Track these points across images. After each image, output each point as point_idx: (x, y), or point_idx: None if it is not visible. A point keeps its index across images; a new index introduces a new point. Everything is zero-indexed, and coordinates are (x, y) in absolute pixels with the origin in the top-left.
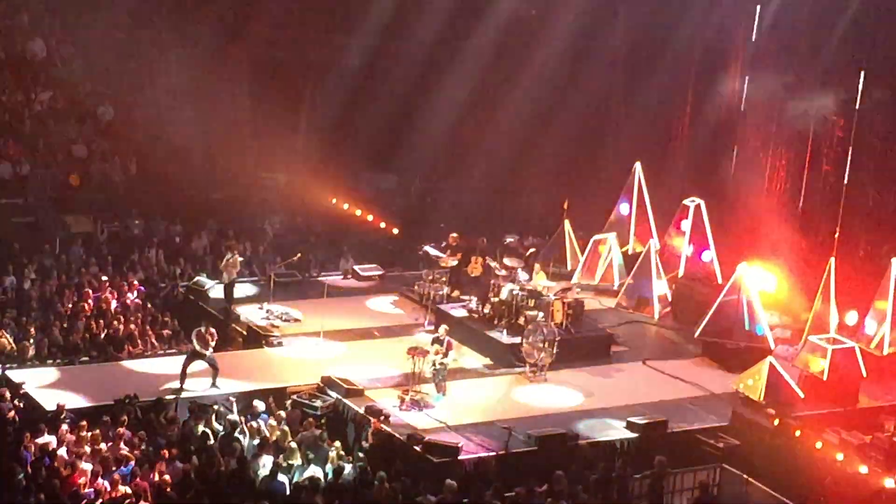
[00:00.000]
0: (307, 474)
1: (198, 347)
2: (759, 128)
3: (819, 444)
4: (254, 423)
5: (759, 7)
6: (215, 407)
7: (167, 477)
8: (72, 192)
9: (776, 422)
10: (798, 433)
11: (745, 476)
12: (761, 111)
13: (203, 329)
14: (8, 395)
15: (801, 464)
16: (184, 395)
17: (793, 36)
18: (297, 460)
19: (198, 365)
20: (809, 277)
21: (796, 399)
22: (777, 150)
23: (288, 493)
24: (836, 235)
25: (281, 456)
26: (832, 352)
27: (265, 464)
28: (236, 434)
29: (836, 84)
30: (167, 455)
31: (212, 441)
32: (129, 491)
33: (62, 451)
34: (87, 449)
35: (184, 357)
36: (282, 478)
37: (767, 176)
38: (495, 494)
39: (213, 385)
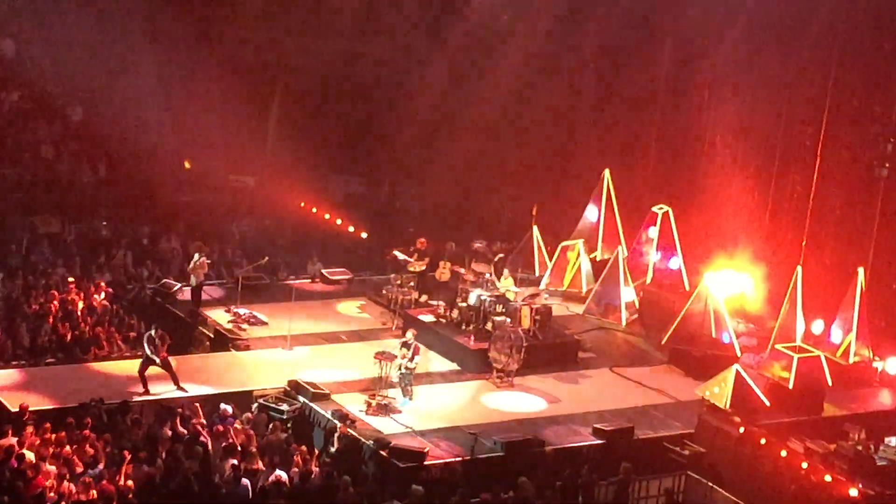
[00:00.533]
0: (272, 478)
1: (148, 352)
2: (728, 135)
3: (784, 453)
4: (219, 427)
5: (728, 14)
6: (180, 410)
7: (130, 482)
8: (39, 192)
9: (741, 429)
10: (763, 441)
11: (710, 483)
12: (730, 118)
13: (153, 333)
14: None
15: (766, 472)
16: (149, 397)
17: (762, 43)
18: (264, 464)
19: (157, 368)
20: (776, 285)
21: (762, 407)
22: (745, 158)
23: (252, 496)
24: (803, 244)
25: (249, 459)
26: (798, 360)
27: (230, 467)
28: (201, 437)
29: (804, 92)
30: (132, 458)
31: (177, 444)
32: (94, 494)
33: (27, 453)
34: (52, 451)
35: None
36: (245, 481)
37: (735, 183)
38: (461, 500)
39: (178, 388)
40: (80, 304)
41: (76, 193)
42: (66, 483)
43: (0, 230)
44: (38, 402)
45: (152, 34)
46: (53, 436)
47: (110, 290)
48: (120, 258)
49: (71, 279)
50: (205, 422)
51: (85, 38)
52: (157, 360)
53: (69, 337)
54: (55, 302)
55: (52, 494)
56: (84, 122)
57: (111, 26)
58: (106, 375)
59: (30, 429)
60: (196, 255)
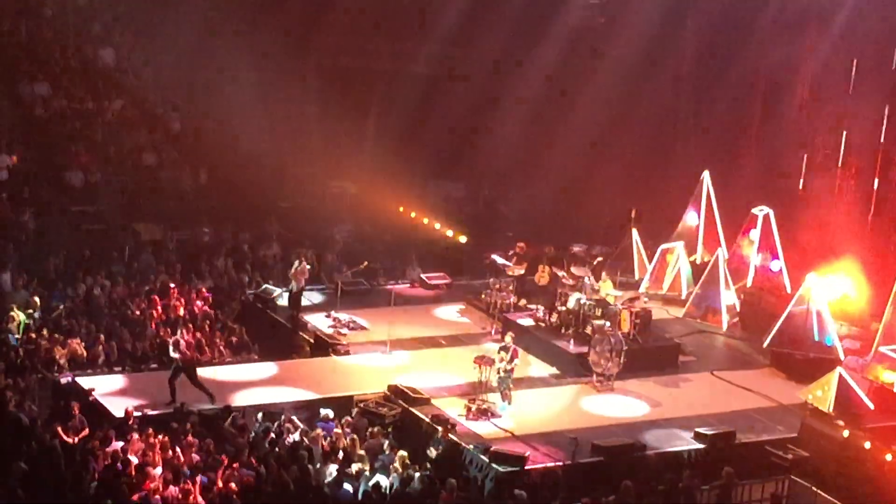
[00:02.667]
0: (372, 483)
1: (172, 355)
2: (828, 135)
3: (889, 457)
4: (320, 431)
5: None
6: (283, 416)
7: (233, 485)
8: (142, 199)
9: (845, 433)
10: (868, 445)
11: (813, 488)
12: (830, 118)
13: (178, 336)
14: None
15: (870, 476)
16: (252, 402)
17: (863, 42)
18: (365, 468)
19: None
20: (879, 287)
21: (866, 411)
22: (846, 159)
23: (354, 501)
24: None
25: (352, 464)
26: None
27: (332, 472)
28: (305, 442)
29: None
30: (237, 463)
31: (279, 449)
32: (199, 498)
33: (132, 458)
34: (157, 455)
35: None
36: (347, 486)
37: (837, 185)
38: None
39: (209, 397)
40: (182, 310)
41: (177, 200)
42: (171, 487)
43: (103, 237)
44: (141, 408)
45: (251, 42)
46: (157, 440)
47: (211, 296)
48: (221, 265)
49: (173, 285)
50: (306, 427)
51: (184, 46)
52: (180, 364)
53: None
54: (157, 308)
55: (156, 498)
56: (184, 130)
57: (210, 35)
58: (208, 381)
59: (134, 434)
60: (297, 262)
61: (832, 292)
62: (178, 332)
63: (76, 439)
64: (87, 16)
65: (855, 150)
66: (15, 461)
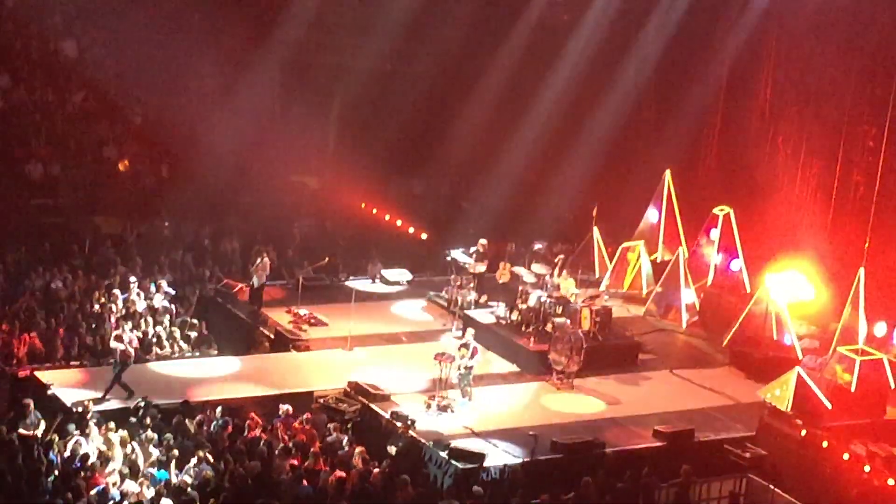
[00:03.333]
0: (332, 478)
1: (112, 345)
2: (790, 137)
3: (846, 456)
4: (280, 426)
5: (790, 15)
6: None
7: (187, 478)
8: (101, 193)
9: (803, 432)
10: (825, 444)
11: (771, 487)
12: (792, 120)
13: (125, 332)
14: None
15: (828, 475)
16: (211, 398)
17: (825, 43)
18: (324, 464)
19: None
20: (838, 288)
21: (824, 410)
22: (808, 160)
23: (313, 496)
24: (866, 246)
25: (309, 459)
26: (860, 363)
27: (290, 467)
28: (265, 437)
29: (867, 93)
30: (195, 458)
31: (238, 444)
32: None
33: (91, 452)
34: (116, 450)
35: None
36: (307, 481)
37: (797, 185)
38: (521, 501)
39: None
40: (142, 305)
41: (138, 194)
42: (128, 482)
43: (63, 230)
44: (100, 402)
45: (212, 35)
46: (117, 435)
47: (171, 290)
48: (181, 259)
49: (132, 279)
50: (265, 422)
51: (146, 39)
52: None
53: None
54: (117, 302)
55: (115, 492)
56: (146, 123)
57: (172, 27)
58: (167, 376)
59: (93, 428)
60: (258, 258)
61: (791, 292)
62: (124, 328)
63: (33, 434)
64: (49, 7)
65: (816, 150)
66: None
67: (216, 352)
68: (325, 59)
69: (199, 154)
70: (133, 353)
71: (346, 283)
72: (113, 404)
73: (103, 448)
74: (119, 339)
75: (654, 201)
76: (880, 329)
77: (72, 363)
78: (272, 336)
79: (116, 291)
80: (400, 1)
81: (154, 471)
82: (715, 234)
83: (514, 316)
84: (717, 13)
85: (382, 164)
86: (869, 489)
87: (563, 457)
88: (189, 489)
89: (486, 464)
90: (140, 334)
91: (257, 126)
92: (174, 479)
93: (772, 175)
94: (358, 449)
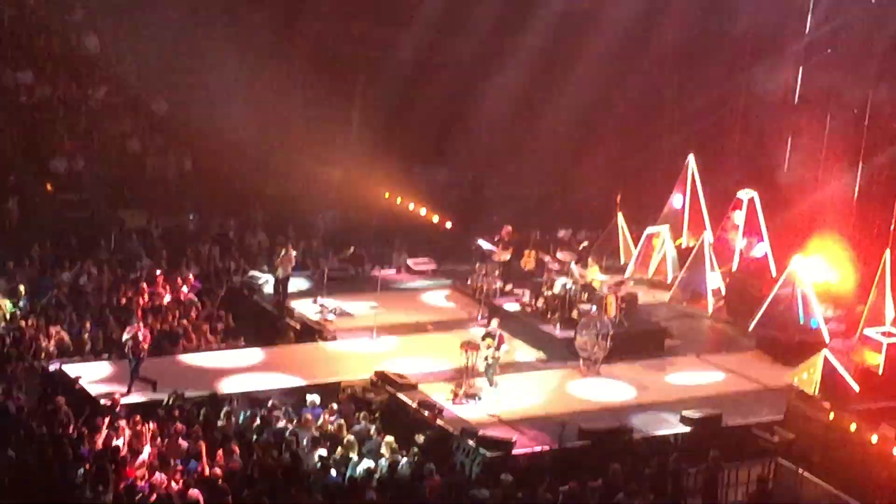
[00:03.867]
0: (361, 468)
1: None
2: (814, 119)
3: (875, 438)
4: (308, 417)
5: None
6: (270, 402)
7: (217, 470)
8: (126, 187)
9: (831, 415)
10: (853, 427)
11: (800, 470)
12: (816, 103)
13: (139, 327)
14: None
15: (856, 458)
16: (238, 390)
17: (847, 26)
18: (353, 454)
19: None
20: (865, 270)
21: (851, 392)
22: (832, 142)
23: (342, 486)
24: (892, 227)
25: (338, 449)
26: (887, 345)
27: (319, 457)
28: (292, 428)
29: (891, 75)
30: (223, 450)
31: (266, 435)
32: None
33: (119, 445)
34: (146, 443)
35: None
36: (336, 471)
37: (822, 168)
38: (548, 489)
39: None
40: (168, 298)
41: (162, 187)
42: (158, 474)
43: (88, 224)
44: (128, 395)
45: (234, 27)
46: (144, 428)
47: (197, 283)
48: (207, 252)
49: (159, 272)
50: (293, 413)
51: (168, 32)
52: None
53: (157, 330)
54: (144, 296)
55: (142, 484)
56: (169, 117)
57: (194, 20)
58: (194, 368)
59: (121, 421)
60: (282, 249)
61: (817, 275)
62: (138, 323)
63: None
64: (70, 3)
65: (840, 132)
66: (2, 450)
67: (243, 343)
68: (348, 49)
69: (223, 147)
70: (145, 348)
71: (371, 273)
72: (141, 397)
73: (132, 441)
74: (134, 335)
75: (678, 186)
76: None
77: (100, 357)
78: (298, 327)
79: (143, 285)
80: None
81: (183, 463)
82: (739, 217)
83: (540, 303)
84: None
85: (406, 154)
86: None
87: (591, 443)
88: (219, 481)
89: (513, 452)
90: (167, 327)
91: (280, 117)
92: (204, 471)
93: (796, 158)
94: (387, 438)
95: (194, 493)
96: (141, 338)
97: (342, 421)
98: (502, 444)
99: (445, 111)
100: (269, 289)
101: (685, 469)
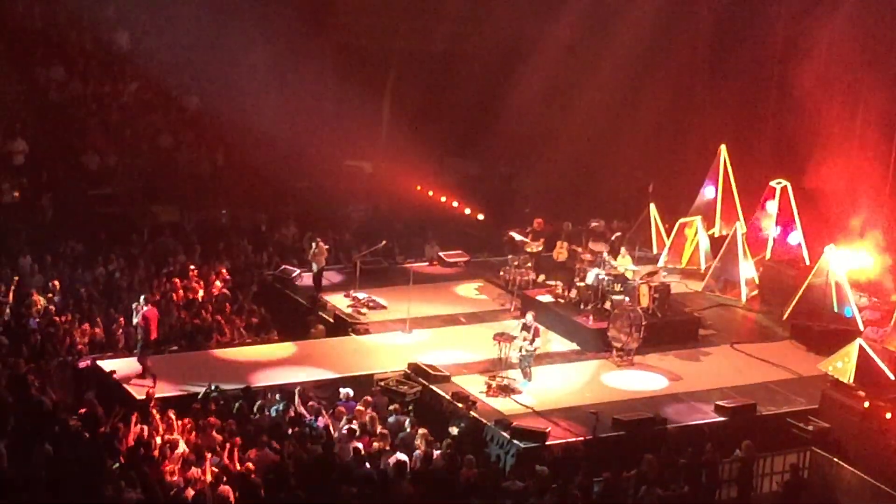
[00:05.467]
0: (394, 460)
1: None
2: (846, 108)
3: None
4: (342, 409)
5: None
6: (302, 395)
7: (250, 465)
8: (158, 182)
9: (866, 404)
10: (889, 416)
11: (835, 459)
12: (848, 91)
13: (142, 304)
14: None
15: (892, 447)
16: (270, 382)
17: (879, 12)
18: (386, 446)
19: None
20: None
21: (886, 381)
22: (864, 131)
23: (376, 478)
24: None
25: (373, 442)
26: None
27: (353, 450)
28: (323, 420)
29: None
30: (257, 443)
31: (299, 428)
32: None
33: (154, 440)
34: (179, 437)
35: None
36: (369, 464)
37: (855, 156)
38: (583, 479)
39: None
40: (201, 292)
41: (194, 182)
42: (192, 468)
43: (121, 220)
44: (162, 390)
45: (265, 22)
46: (179, 422)
47: (230, 277)
48: (239, 246)
49: (192, 267)
50: (327, 406)
51: (199, 27)
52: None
53: (190, 325)
54: (177, 290)
55: (177, 479)
56: (200, 112)
57: (224, 15)
58: (228, 362)
59: (156, 416)
60: (313, 243)
61: (851, 263)
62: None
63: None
64: None
65: (872, 121)
66: (38, 445)
67: (276, 337)
68: (378, 42)
69: (254, 141)
70: (153, 329)
71: (403, 265)
72: (175, 391)
73: (167, 435)
74: (140, 314)
75: (711, 176)
76: None
77: (133, 352)
78: (331, 320)
79: (177, 280)
80: None
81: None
82: (772, 207)
83: (573, 294)
84: None
85: (437, 146)
86: None
87: (625, 434)
88: (252, 475)
89: (547, 442)
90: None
91: (311, 111)
92: (236, 466)
93: (828, 146)
94: (420, 430)
95: (225, 489)
96: (143, 313)
97: (375, 414)
98: (536, 434)
99: (476, 103)
100: (306, 282)
101: (720, 459)
